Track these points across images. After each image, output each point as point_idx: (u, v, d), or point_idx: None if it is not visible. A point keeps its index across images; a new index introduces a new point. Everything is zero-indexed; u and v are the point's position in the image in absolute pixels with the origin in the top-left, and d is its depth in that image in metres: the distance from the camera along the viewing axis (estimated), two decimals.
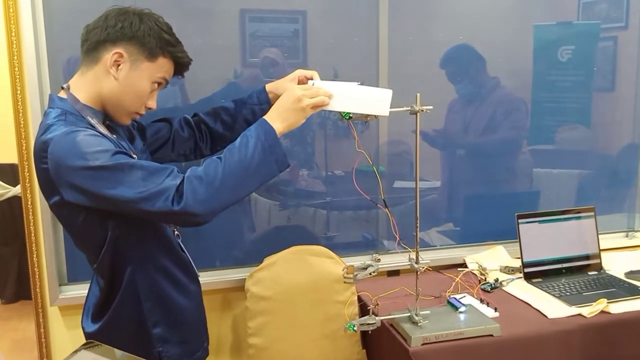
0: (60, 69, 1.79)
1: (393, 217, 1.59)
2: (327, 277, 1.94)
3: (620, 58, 2.38)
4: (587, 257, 2.12)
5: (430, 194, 2.24)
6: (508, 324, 1.66)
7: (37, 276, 1.89)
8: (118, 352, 1.01)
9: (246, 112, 1.63)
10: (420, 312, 1.63)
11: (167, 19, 1.37)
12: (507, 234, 2.16)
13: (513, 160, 2.35)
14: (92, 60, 1.31)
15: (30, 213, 1.86)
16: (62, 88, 1.33)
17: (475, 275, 2.09)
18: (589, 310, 1.75)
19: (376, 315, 1.61)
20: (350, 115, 1.44)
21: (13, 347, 3.36)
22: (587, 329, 1.71)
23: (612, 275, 2.07)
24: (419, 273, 1.61)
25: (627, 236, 2.50)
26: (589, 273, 2.09)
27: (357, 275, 1.55)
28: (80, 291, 1.84)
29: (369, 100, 1.43)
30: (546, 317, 1.74)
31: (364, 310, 1.88)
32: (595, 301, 1.79)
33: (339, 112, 1.44)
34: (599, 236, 2.14)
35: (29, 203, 1.85)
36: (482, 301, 1.81)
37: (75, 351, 0.97)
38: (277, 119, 1.35)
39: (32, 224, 1.86)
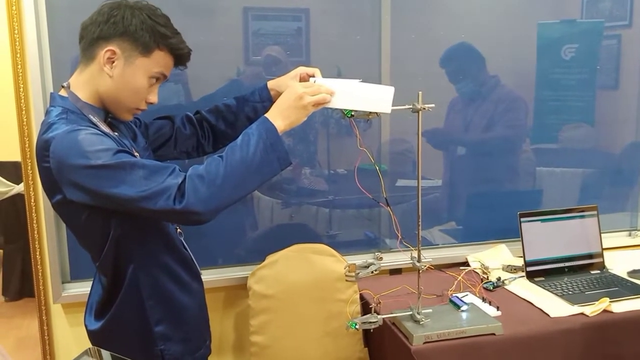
0: (62, 67, 1.79)
1: (395, 216, 1.59)
2: (329, 275, 1.94)
3: (623, 56, 2.37)
4: (589, 256, 2.11)
5: (433, 193, 2.24)
6: (510, 323, 1.66)
7: (40, 274, 1.90)
8: None
9: (248, 109, 1.63)
10: (422, 311, 1.63)
11: (170, 17, 1.35)
12: (509, 232, 2.15)
13: (515, 158, 2.34)
14: (88, 58, 1.30)
15: (34, 211, 1.86)
16: (63, 86, 1.33)
17: (478, 274, 2.09)
18: (592, 309, 1.74)
19: (378, 314, 1.60)
20: (352, 113, 1.43)
21: (17, 344, 3.37)
22: (589, 328, 1.70)
23: (614, 274, 2.06)
24: (421, 271, 1.61)
25: (630, 235, 2.49)
26: (592, 272, 2.08)
27: (359, 273, 1.55)
28: (83, 289, 1.85)
29: (371, 97, 1.42)
30: (548, 316, 1.74)
31: (366, 308, 1.88)
32: (597, 300, 1.78)
33: (341, 110, 1.44)
34: (602, 235, 2.13)
35: (32, 201, 1.86)
36: (484, 300, 1.81)
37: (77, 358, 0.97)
38: (279, 116, 1.34)
39: (35, 221, 1.87)
